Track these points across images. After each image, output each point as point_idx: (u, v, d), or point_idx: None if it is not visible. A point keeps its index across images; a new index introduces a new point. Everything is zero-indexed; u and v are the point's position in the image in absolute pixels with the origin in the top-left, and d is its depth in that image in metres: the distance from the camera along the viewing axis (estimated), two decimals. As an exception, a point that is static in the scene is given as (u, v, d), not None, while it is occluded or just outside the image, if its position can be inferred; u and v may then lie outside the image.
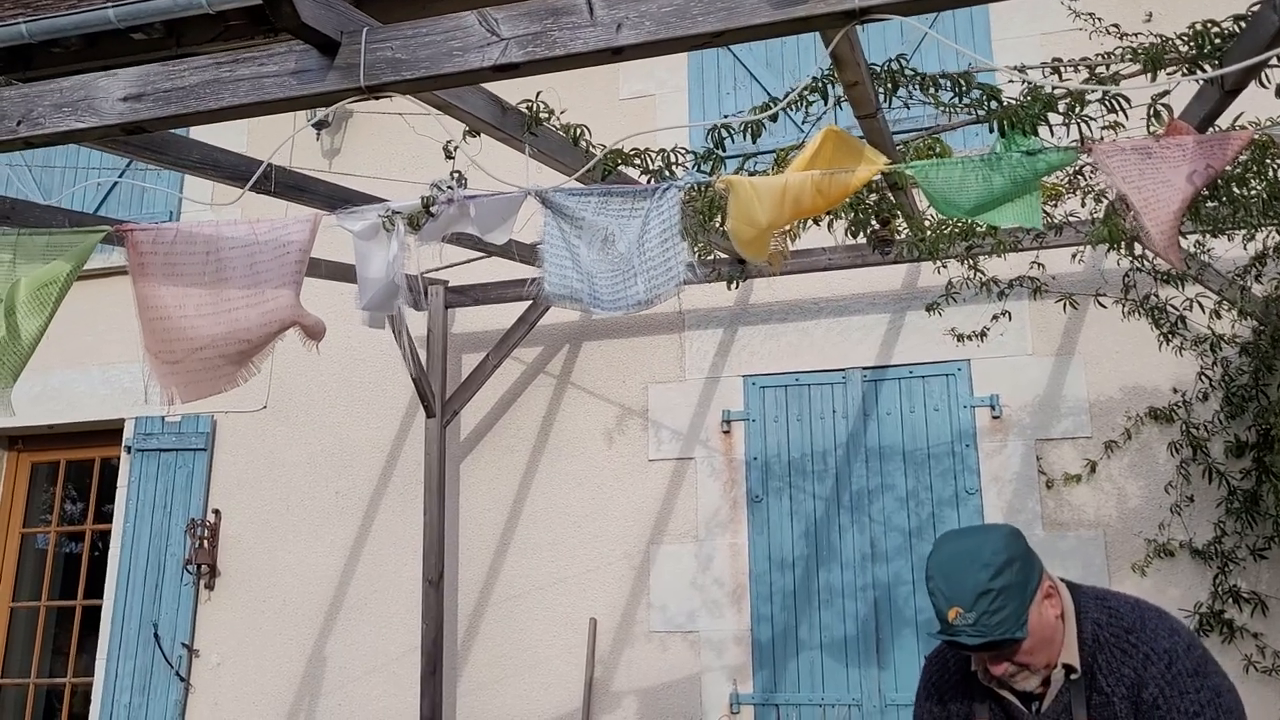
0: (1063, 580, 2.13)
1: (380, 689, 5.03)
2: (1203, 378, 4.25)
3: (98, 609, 5.55)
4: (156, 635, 5.27)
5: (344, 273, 4.18)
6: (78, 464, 6.00)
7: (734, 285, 4.10)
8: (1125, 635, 2.01)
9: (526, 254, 4.41)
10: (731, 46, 5.20)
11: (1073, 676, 2.03)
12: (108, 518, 5.71)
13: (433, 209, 2.37)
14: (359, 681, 5.08)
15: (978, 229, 3.50)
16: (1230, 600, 4.12)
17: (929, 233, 3.62)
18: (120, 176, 5.91)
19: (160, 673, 5.25)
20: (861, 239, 3.44)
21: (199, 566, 5.33)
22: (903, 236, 3.69)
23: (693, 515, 4.87)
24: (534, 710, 4.84)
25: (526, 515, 5.09)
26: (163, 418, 5.61)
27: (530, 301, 4.91)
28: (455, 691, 4.94)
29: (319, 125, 5.62)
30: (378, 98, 2.14)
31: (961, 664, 2.18)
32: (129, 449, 5.62)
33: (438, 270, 4.96)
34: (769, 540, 4.75)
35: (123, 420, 5.70)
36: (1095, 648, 2.02)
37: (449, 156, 2.45)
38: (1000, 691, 2.09)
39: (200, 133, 4.89)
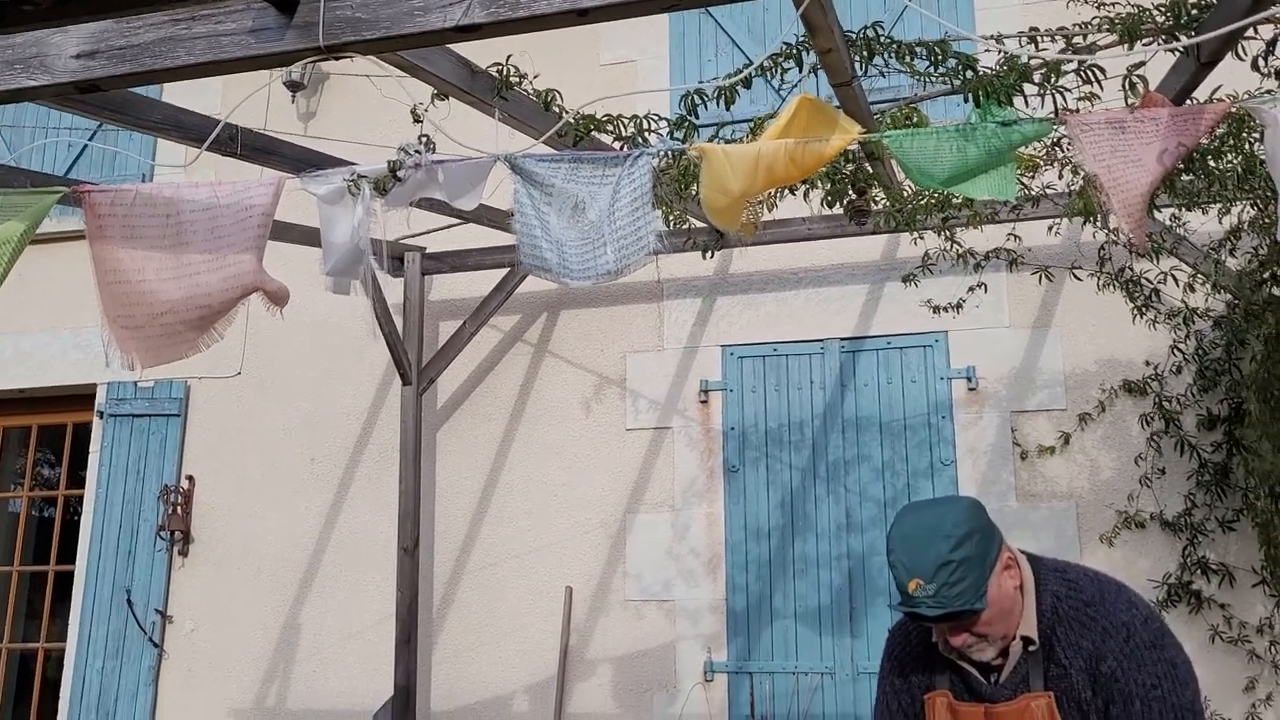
0: (1023, 552, 2.14)
1: (355, 656, 5.03)
2: (1176, 351, 4.26)
3: (71, 574, 5.53)
4: (130, 601, 5.25)
5: (314, 237, 4.12)
6: (50, 429, 5.94)
7: (709, 254, 4.07)
8: (1084, 608, 2.03)
9: (502, 220, 4.38)
10: (713, 13, 5.15)
11: (1030, 648, 2.04)
12: (81, 482, 5.67)
13: (399, 173, 2.34)
14: (334, 648, 5.08)
15: (954, 200, 3.48)
16: (1198, 571, 4.16)
17: (906, 204, 3.60)
18: (90, 139, 5.82)
19: (133, 638, 5.23)
20: (838, 209, 3.42)
21: (172, 533, 5.30)
22: (879, 207, 3.67)
23: (669, 485, 4.87)
24: (509, 677, 4.86)
25: (503, 484, 5.08)
26: (135, 383, 5.56)
27: (508, 269, 4.87)
28: (430, 659, 4.95)
29: (293, 88, 5.53)
30: (337, 58, 2.10)
31: (923, 637, 2.19)
32: (101, 414, 5.58)
33: (415, 236, 4.91)
34: (745, 510, 4.76)
35: (95, 385, 5.65)
36: (1054, 620, 2.03)
37: (416, 120, 2.41)
38: (960, 663, 2.11)
39: (175, 93, 4.81)
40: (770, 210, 3.75)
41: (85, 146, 5.85)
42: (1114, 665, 1.95)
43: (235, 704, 5.13)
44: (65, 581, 5.60)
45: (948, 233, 3.92)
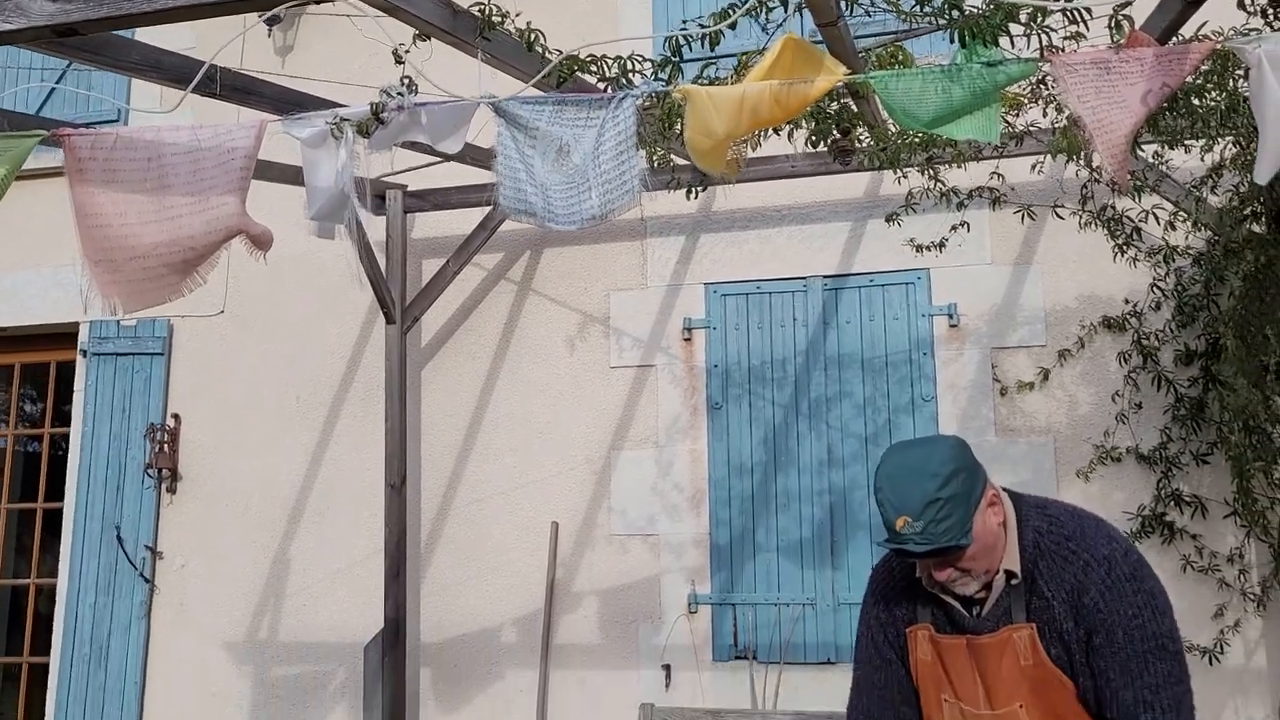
0: (1005, 490, 2.19)
1: (344, 591, 5.11)
2: (1155, 288, 4.30)
3: (59, 511, 5.56)
4: (120, 537, 5.30)
5: (297, 176, 4.09)
6: (33, 367, 5.93)
7: (693, 195, 4.07)
8: (1065, 542, 2.09)
9: (484, 158, 4.35)
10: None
11: (1013, 582, 2.10)
12: (67, 420, 5.68)
13: (382, 116, 2.32)
14: (323, 583, 5.15)
15: (938, 139, 3.47)
16: (1172, 503, 4.25)
17: (890, 142, 3.60)
18: (59, 81, 5.70)
19: (125, 574, 5.29)
20: (823, 148, 3.41)
21: (160, 470, 5.33)
22: (864, 146, 3.66)
23: (653, 422, 4.92)
24: (497, 611, 4.94)
25: (489, 421, 5.12)
26: (118, 322, 5.53)
27: (490, 207, 4.85)
28: (419, 593, 5.03)
29: (270, 21, 5.43)
30: (318, 0, 2.07)
31: (906, 573, 2.25)
32: (84, 352, 5.56)
33: (396, 174, 4.87)
34: (728, 446, 4.82)
35: (77, 324, 5.63)
36: (1036, 554, 2.09)
37: (399, 61, 2.39)
38: (943, 597, 2.17)
39: (146, 31, 4.71)
40: (754, 149, 3.74)
41: (54, 87, 5.73)
42: (1096, 597, 2.02)
43: (227, 637, 5.21)
44: (53, 518, 5.64)
45: (931, 171, 3.92)
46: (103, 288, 2.15)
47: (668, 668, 4.69)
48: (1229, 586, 4.17)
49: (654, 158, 3.62)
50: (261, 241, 2.22)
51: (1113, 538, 2.11)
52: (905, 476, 2.02)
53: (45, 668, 5.42)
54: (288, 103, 3.20)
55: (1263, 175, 2.30)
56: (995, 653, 2.09)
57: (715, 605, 4.72)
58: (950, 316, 4.64)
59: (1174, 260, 4.16)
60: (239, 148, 2.21)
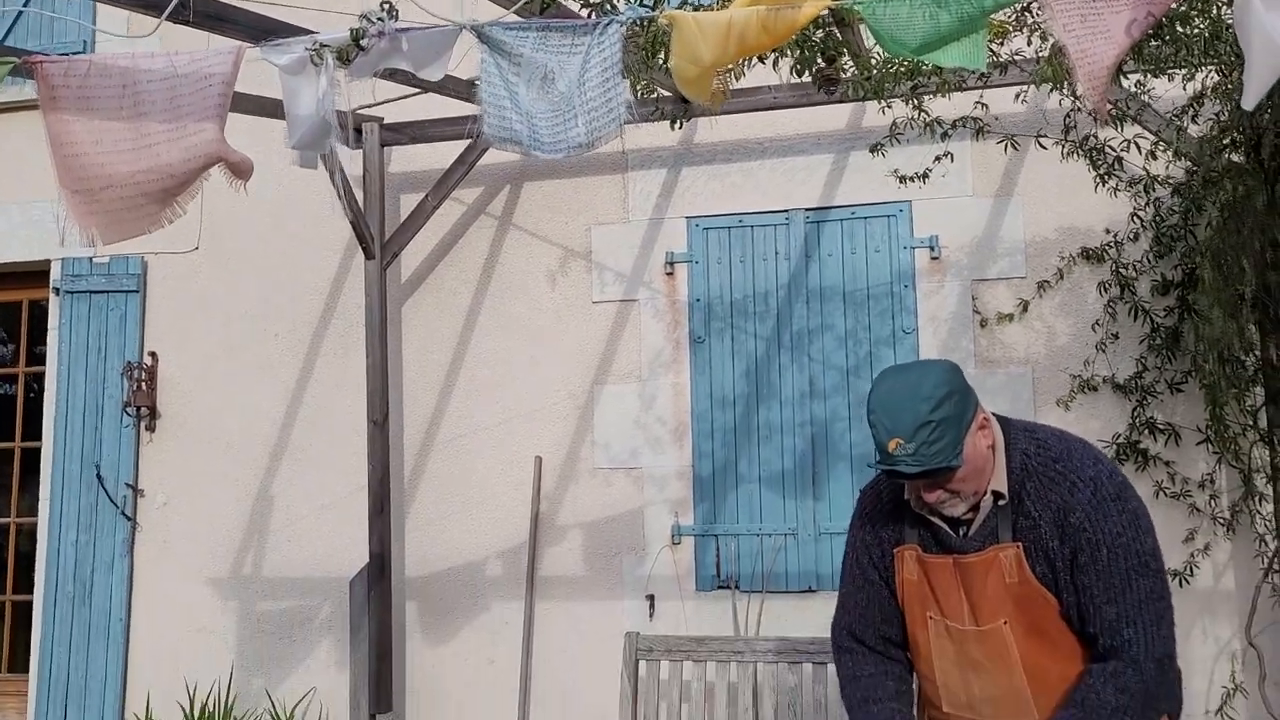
0: (994, 415, 2.23)
1: (329, 527, 5.13)
2: (1135, 218, 4.32)
3: (37, 450, 5.53)
4: (100, 476, 5.28)
5: (273, 108, 4.02)
6: (5, 306, 5.85)
7: (677, 125, 4.03)
8: (1052, 464, 2.13)
9: (463, 90, 4.28)
10: None
11: (1000, 503, 2.15)
12: (41, 359, 5.63)
13: (363, 42, 2.27)
14: (307, 520, 5.17)
15: (923, 68, 3.45)
16: (1146, 431, 4.32)
17: (874, 71, 3.57)
18: (25, 4, 5.54)
19: (106, 512, 5.28)
20: (807, 78, 3.38)
21: (138, 409, 5.30)
22: (848, 75, 3.63)
23: (636, 356, 4.93)
24: (481, 544, 4.98)
25: (470, 357, 5.11)
26: (90, 259, 5.46)
27: (469, 140, 4.78)
28: (403, 528, 5.06)
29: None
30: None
31: (893, 495, 2.29)
32: (57, 290, 5.49)
33: (372, 107, 4.79)
34: (710, 380, 4.84)
35: (49, 261, 5.54)
36: (1024, 476, 2.13)
37: (378, -15, 2.33)
38: (930, 518, 2.21)
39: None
40: (738, 79, 3.70)
41: (20, 13, 5.57)
42: (1082, 517, 2.07)
43: (212, 573, 5.24)
44: (31, 457, 5.61)
45: (915, 101, 3.89)
46: (80, 218, 2.11)
47: (651, 598, 4.76)
48: (1199, 512, 4.26)
49: (638, 87, 3.58)
50: (241, 170, 2.18)
51: (1098, 459, 2.16)
52: (898, 400, 2.05)
53: (29, 606, 5.43)
54: (262, 30, 3.12)
55: (1249, 101, 2.29)
56: (981, 571, 2.14)
57: (698, 536, 4.78)
58: (931, 249, 4.65)
59: (1154, 190, 4.18)
60: (216, 74, 2.16)
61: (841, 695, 2.37)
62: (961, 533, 2.19)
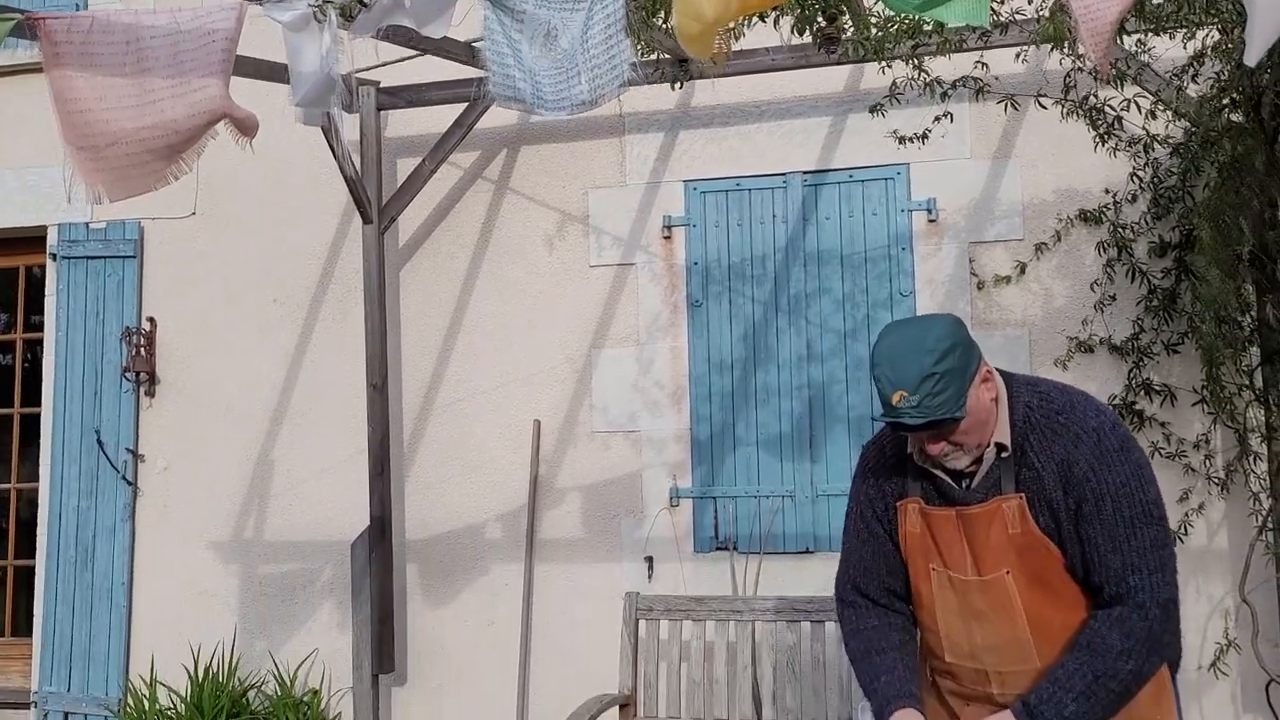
0: (996, 369, 2.25)
1: (329, 490, 5.15)
2: (1135, 177, 4.33)
3: (36, 417, 5.53)
4: (100, 441, 5.29)
5: (271, 71, 3.99)
6: (1, 272, 5.83)
7: (678, 86, 4.01)
8: (1055, 416, 2.16)
9: (461, 52, 4.26)
10: None
11: (1003, 455, 2.17)
12: (38, 326, 5.62)
13: (366, -2, 2.27)
14: (307, 483, 5.19)
15: (924, 27, 3.44)
16: (1142, 392, 4.35)
17: (875, 30, 3.56)
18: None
19: (107, 477, 5.30)
20: (807, 38, 3.37)
21: (138, 374, 5.30)
22: (848, 35, 3.62)
23: (634, 320, 4.94)
24: (480, 507, 5.02)
25: (469, 321, 5.12)
26: (87, 224, 5.44)
27: (466, 104, 4.76)
28: (403, 491, 5.08)
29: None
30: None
31: (897, 449, 2.31)
32: (54, 256, 5.47)
33: (368, 70, 4.76)
34: (708, 343, 4.86)
35: (45, 227, 5.52)
36: (1027, 429, 2.16)
37: (380, -59, 2.32)
38: (934, 471, 2.23)
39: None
40: (738, 38, 3.69)
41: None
42: (1086, 468, 2.09)
43: (213, 537, 5.26)
44: (30, 424, 5.62)
45: (915, 61, 3.89)
46: (86, 175, 2.11)
47: (650, 560, 4.80)
48: (1194, 471, 4.30)
49: (637, 47, 3.57)
50: (246, 126, 2.18)
51: (1101, 411, 2.18)
52: (902, 353, 2.07)
53: (31, 570, 5.45)
54: (261, -11, 3.10)
55: (1251, 58, 2.30)
56: (984, 522, 2.17)
57: (696, 499, 4.81)
58: (929, 211, 4.65)
59: (1153, 150, 4.18)
60: (219, 30, 2.16)
61: (845, 649, 2.40)
62: (964, 485, 2.22)
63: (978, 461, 2.19)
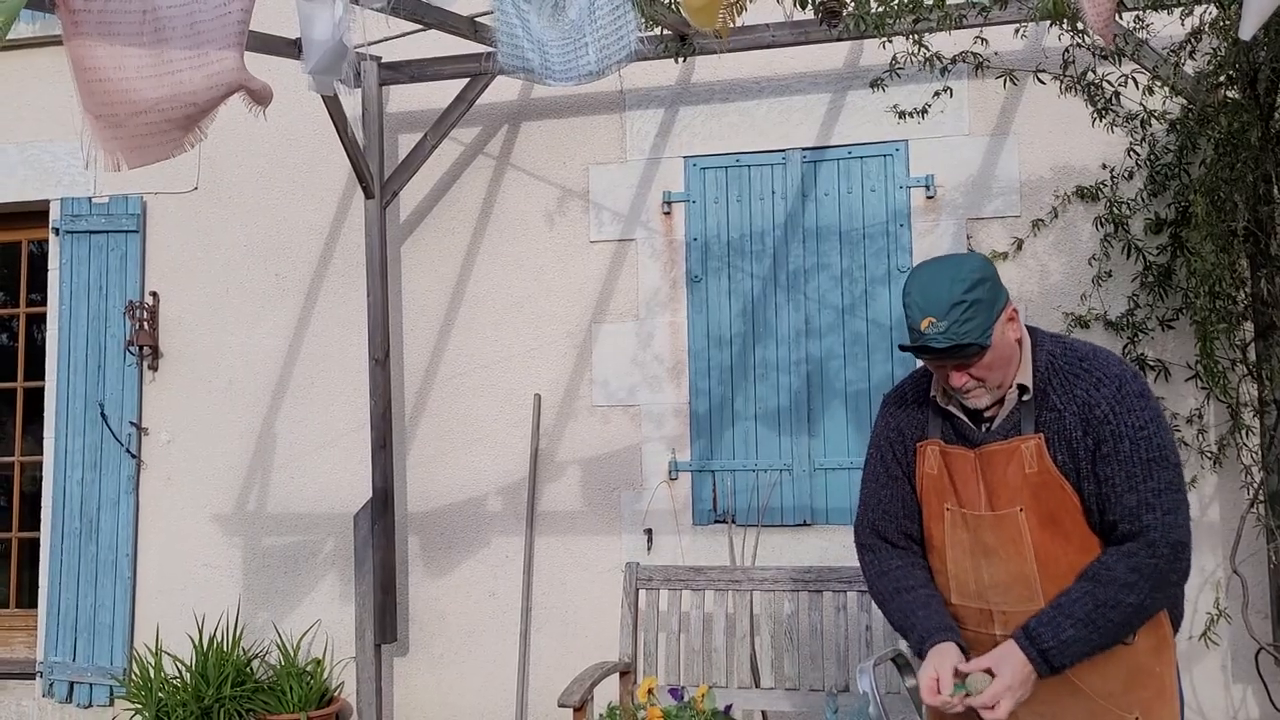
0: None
1: (332, 463, 5.20)
2: (1131, 153, 4.37)
3: (39, 390, 5.57)
4: (104, 414, 5.33)
5: (278, 46, 4.02)
6: (4, 246, 5.85)
7: (681, 59, 4.03)
8: (1079, 362, 2.24)
9: (464, 27, 4.29)
10: None
11: (1025, 397, 2.24)
12: (41, 301, 5.65)
13: (377, -32, 2.30)
14: (310, 456, 5.24)
15: (925, 1, 3.47)
16: (1137, 367, 4.41)
17: (876, 4, 3.59)
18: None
19: (110, 450, 5.34)
20: (809, 12, 3.40)
21: (141, 348, 5.34)
22: (850, 9, 3.65)
23: (633, 295, 4.98)
24: (481, 480, 5.07)
25: (470, 296, 5.15)
26: (90, 199, 5.46)
27: (468, 80, 4.79)
28: (405, 464, 5.13)
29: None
30: None
31: (918, 393, 2.38)
32: (57, 231, 5.50)
33: (369, 45, 4.78)
34: (707, 318, 4.90)
35: (48, 201, 5.55)
36: (1050, 373, 2.24)
37: (391, -88, 2.35)
38: (954, 411, 2.30)
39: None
40: (740, 13, 3.72)
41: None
42: (1106, 410, 2.16)
43: (216, 509, 5.31)
44: (34, 397, 5.65)
45: (915, 36, 3.92)
46: (105, 144, 2.14)
47: (649, 532, 4.86)
48: (1188, 445, 4.36)
49: (641, 21, 3.59)
50: (261, 97, 2.21)
51: (1122, 361, 2.29)
52: (933, 281, 2.15)
53: (35, 543, 5.50)
54: (268, -38, 3.13)
55: (1246, 31, 2.34)
56: (1002, 460, 2.23)
57: (695, 472, 4.87)
58: (927, 188, 4.69)
59: (1149, 126, 4.22)
60: (235, 1, 2.19)
61: (871, 592, 2.45)
62: (984, 429, 2.28)
63: (999, 404, 2.25)
